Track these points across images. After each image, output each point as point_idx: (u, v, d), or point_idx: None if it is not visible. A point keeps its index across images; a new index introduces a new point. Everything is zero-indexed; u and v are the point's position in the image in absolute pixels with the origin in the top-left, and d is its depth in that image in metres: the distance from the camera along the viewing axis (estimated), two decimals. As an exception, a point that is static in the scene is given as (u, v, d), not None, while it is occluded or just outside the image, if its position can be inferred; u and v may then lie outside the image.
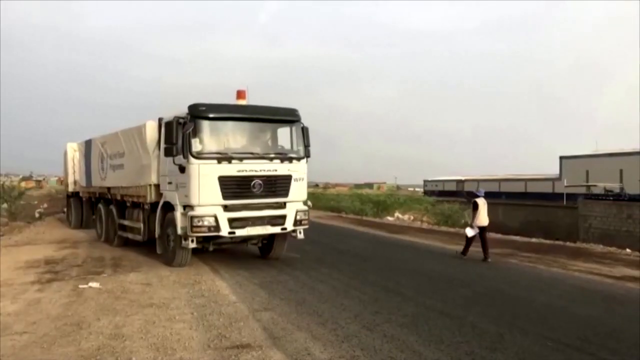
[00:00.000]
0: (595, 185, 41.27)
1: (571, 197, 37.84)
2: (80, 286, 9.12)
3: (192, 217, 10.01)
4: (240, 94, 10.96)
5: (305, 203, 11.29)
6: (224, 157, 10.18)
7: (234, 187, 10.29)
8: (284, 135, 11.26)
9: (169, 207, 10.95)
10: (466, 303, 8.22)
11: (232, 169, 10.21)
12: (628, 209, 21.99)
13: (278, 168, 10.69)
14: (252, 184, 10.35)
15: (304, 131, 11.17)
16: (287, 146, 11.16)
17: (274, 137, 11.20)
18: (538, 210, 36.21)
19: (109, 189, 14.38)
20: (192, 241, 10.26)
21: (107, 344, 6.08)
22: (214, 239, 10.55)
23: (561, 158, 55.53)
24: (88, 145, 16.49)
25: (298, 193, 10.97)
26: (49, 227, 20.67)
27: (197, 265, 11.05)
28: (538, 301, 8.41)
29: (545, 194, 51.79)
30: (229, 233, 10.20)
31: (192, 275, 10.05)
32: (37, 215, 24.94)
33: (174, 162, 10.35)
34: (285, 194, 10.80)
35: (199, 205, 10.07)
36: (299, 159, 11.02)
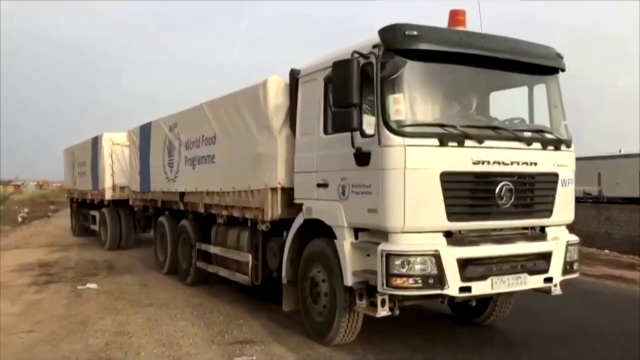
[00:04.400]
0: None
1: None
2: (79, 287, 9.30)
3: (390, 257, 4.82)
4: (456, 17, 5.67)
5: (569, 228, 5.99)
6: (452, 135, 5.02)
7: (467, 196, 5.13)
8: (521, 99, 6.05)
9: (316, 231, 5.91)
10: None
11: (465, 160, 5.04)
12: (607, 211, 23.09)
13: (539, 160, 5.46)
14: (498, 191, 5.16)
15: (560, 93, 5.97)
16: (533, 119, 5.95)
17: (529, 102, 5.94)
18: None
19: (182, 195, 9.32)
20: (384, 303, 5.10)
21: (114, 340, 6.21)
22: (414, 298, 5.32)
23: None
24: (145, 132, 11.28)
25: (564, 208, 5.72)
26: (35, 231, 20.43)
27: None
28: None
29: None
30: (461, 291, 4.98)
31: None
32: (19, 219, 24.46)
33: (337, 144, 5.45)
34: (547, 210, 5.56)
35: (402, 232, 4.90)
36: (566, 143, 5.77)
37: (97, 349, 5.91)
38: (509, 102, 6.26)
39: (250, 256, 7.17)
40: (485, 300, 6.37)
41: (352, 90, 4.93)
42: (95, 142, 15.09)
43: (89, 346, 6.03)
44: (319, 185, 5.83)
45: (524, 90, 6.06)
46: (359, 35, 5.92)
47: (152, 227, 11.49)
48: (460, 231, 5.11)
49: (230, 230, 7.92)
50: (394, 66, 4.85)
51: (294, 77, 6.42)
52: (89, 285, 9.37)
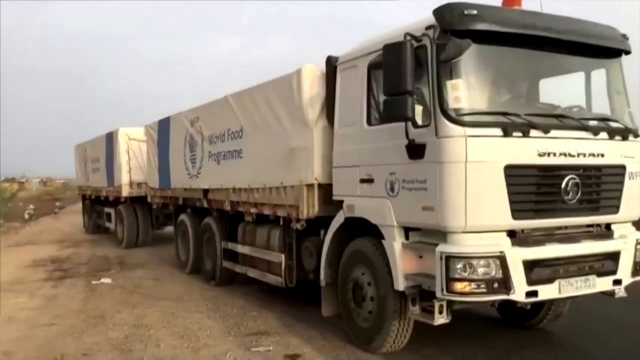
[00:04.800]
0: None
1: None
2: (93, 282, 9.44)
3: (451, 259, 4.37)
4: (513, -3, 5.19)
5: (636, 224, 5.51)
6: (517, 124, 4.55)
7: (532, 192, 4.67)
8: (573, 85, 5.56)
9: (358, 230, 5.50)
10: None
11: (530, 151, 4.57)
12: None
13: (606, 151, 4.98)
14: (564, 185, 4.69)
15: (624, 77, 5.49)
16: (590, 107, 5.46)
17: (586, 89, 5.45)
18: None
19: (205, 191, 8.91)
20: (442, 310, 4.67)
21: (133, 333, 6.34)
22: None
23: None
24: (164, 126, 10.86)
25: (632, 203, 5.23)
26: (44, 227, 20.42)
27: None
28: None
29: None
30: (527, 295, 4.52)
31: None
32: (26, 216, 24.42)
33: (384, 136, 5.05)
34: (614, 206, 5.08)
35: (463, 232, 4.45)
36: (633, 132, 5.28)
37: (117, 341, 6.07)
38: (560, 88, 5.78)
39: (283, 256, 6.74)
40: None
41: (405, 75, 4.47)
42: (110, 137, 14.66)
43: (110, 339, 6.19)
44: (362, 181, 5.39)
45: (575, 76, 5.60)
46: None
47: (173, 225, 11.08)
48: (523, 230, 4.66)
49: (259, 229, 7.50)
50: (456, 48, 4.38)
51: (332, 65, 5.96)
52: (103, 280, 9.56)
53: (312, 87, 6.11)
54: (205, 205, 8.97)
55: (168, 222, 13.93)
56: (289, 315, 6.85)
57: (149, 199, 12.15)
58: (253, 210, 7.46)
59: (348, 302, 5.65)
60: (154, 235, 14.58)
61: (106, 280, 9.52)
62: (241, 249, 7.92)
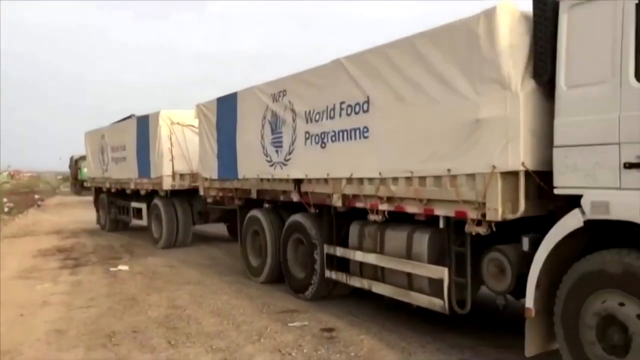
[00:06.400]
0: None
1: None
2: (111, 269, 9.56)
3: None
4: None
5: None
6: None
7: None
8: None
9: (606, 238, 3.82)
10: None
11: None
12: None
13: None
14: None
15: None
16: None
17: None
18: None
19: (298, 182, 7.06)
20: None
21: (171, 313, 6.58)
22: None
23: None
24: (227, 104, 8.77)
25: None
26: (34, 220, 20.22)
27: None
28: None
29: None
30: None
31: None
32: (5, 209, 23.53)
33: None
34: None
35: None
36: None
37: (160, 320, 6.31)
38: None
39: (446, 271, 4.93)
40: None
41: None
42: (145, 121, 12.62)
43: (151, 318, 6.43)
44: (629, 166, 3.58)
45: None
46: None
47: (239, 224, 9.05)
48: None
49: (391, 231, 5.69)
50: None
51: (549, 3, 4.14)
52: (120, 267, 9.74)
53: (512, 34, 4.29)
54: (296, 199, 7.12)
55: (209, 219, 12.29)
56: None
57: (201, 192, 10.06)
58: (384, 207, 5.60)
59: (588, 345, 3.85)
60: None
61: (123, 267, 9.70)
62: (361, 256, 6.08)
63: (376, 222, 5.85)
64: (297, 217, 7.29)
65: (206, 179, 9.72)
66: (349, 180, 6.03)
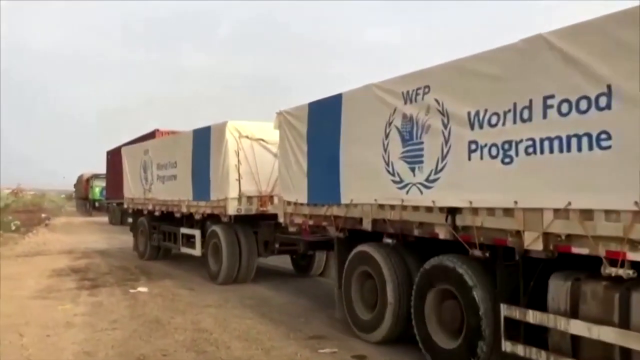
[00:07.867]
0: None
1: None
2: (131, 291, 9.41)
3: None
4: None
5: None
6: None
7: None
8: None
9: None
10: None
11: None
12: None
13: None
14: None
15: None
16: None
17: None
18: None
19: (451, 213, 5.15)
20: None
21: (198, 336, 6.44)
22: None
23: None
24: (323, 110, 7.27)
25: None
26: (44, 239, 20.16)
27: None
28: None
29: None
30: None
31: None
32: (12, 227, 23.20)
33: None
34: None
35: None
36: None
37: (187, 344, 6.18)
38: None
39: None
40: None
41: None
42: (206, 134, 10.69)
43: (178, 341, 6.30)
44: None
45: None
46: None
47: (337, 261, 7.28)
48: None
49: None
50: None
51: None
52: (139, 289, 9.60)
53: None
54: (446, 236, 5.23)
55: (277, 251, 9.98)
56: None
57: (280, 219, 8.36)
58: (635, 256, 3.66)
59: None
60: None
61: (143, 289, 9.55)
62: (584, 329, 3.99)
63: (610, 279, 3.89)
64: (445, 261, 5.26)
65: (289, 203, 8.01)
66: (563, 212, 4.11)
